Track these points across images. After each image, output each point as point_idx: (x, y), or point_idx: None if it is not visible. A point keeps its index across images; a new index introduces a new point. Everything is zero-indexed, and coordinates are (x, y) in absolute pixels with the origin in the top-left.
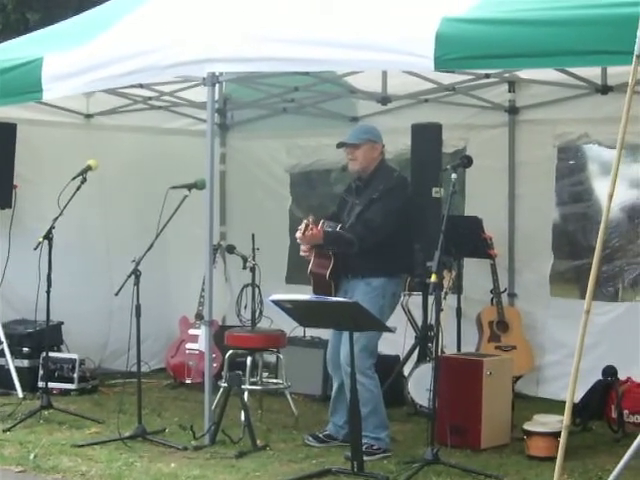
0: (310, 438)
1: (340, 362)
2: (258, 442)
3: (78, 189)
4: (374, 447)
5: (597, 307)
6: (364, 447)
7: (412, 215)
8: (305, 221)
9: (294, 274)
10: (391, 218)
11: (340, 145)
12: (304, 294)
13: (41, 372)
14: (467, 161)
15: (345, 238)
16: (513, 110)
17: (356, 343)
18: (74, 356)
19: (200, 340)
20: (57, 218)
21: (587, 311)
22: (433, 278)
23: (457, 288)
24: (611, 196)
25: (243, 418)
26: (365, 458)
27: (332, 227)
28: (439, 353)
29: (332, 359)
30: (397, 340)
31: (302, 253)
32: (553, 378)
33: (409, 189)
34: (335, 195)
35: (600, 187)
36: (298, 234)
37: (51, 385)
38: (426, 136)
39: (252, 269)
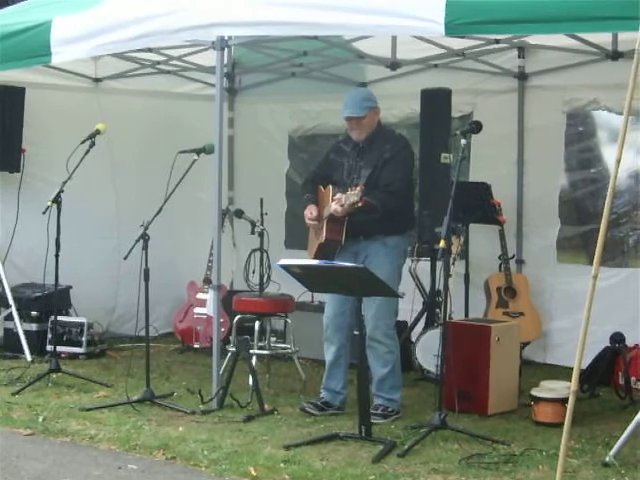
0: (310, 405)
1: (343, 325)
2: (266, 406)
3: (87, 153)
4: (389, 409)
5: (603, 272)
6: (380, 409)
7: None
8: (354, 197)
9: (292, 239)
10: (406, 180)
11: (348, 119)
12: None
13: (49, 336)
14: (476, 127)
15: (372, 205)
16: (522, 76)
17: (380, 306)
18: (82, 320)
19: (208, 304)
20: (66, 182)
21: (595, 276)
22: (441, 244)
23: (466, 254)
24: (619, 161)
25: (251, 382)
26: (380, 421)
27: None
28: (447, 319)
29: (334, 322)
30: (405, 306)
31: (309, 222)
32: (560, 344)
33: (411, 147)
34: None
35: (609, 153)
36: (338, 208)
37: (59, 349)
38: (436, 102)
39: (260, 234)
